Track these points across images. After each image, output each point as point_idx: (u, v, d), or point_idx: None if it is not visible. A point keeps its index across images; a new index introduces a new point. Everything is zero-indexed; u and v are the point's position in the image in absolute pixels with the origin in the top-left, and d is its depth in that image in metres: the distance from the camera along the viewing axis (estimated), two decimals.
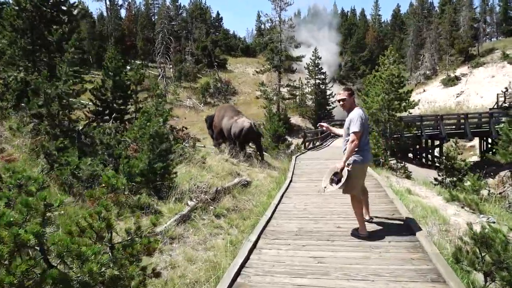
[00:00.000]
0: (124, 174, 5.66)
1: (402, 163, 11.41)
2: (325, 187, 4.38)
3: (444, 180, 12.39)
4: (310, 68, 26.27)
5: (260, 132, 11.73)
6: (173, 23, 58.95)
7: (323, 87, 26.86)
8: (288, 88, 25.76)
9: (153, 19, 55.58)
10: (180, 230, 5.28)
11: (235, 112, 12.26)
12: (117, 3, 52.84)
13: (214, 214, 6.05)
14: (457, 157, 12.64)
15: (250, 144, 12.74)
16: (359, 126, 4.06)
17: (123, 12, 57.83)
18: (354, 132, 4.06)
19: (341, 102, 4.31)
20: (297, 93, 27.94)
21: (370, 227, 4.59)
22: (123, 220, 5.31)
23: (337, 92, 5.05)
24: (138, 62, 46.01)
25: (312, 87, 26.47)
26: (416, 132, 15.84)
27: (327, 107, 26.54)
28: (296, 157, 12.00)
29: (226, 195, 6.95)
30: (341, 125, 26.72)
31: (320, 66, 26.42)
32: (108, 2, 47.56)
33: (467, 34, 47.06)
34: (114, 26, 45.66)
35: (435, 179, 12.59)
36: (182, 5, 66.62)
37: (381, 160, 10.78)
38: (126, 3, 51.88)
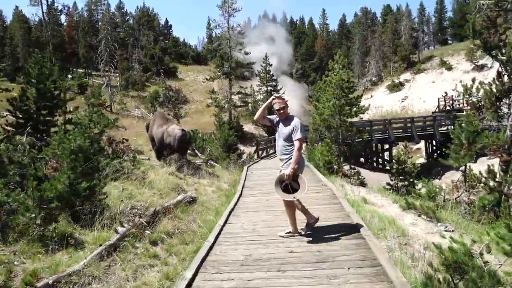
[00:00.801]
0: (34, 199, 4.66)
1: (355, 169, 11.17)
2: (294, 197, 4.52)
3: (396, 185, 12.38)
4: (262, 75, 25.99)
5: (191, 140, 11.23)
6: (118, 30, 56.57)
7: (275, 94, 26.71)
8: (240, 96, 25.25)
9: (97, 26, 52.87)
10: (105, 264, 4.39)
11: (164, 120, 11.50)
12: (56, 7, 49.64)
13: (150, 241, 5.19)
14: (407, 160, 12.70)
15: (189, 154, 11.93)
16: (304, 133, 4.46)
17: (63, 18, 54.46)
18: (299, 139, 4.36)
19: (281, 111, 4.51)
20: (249, 101, 27.52)
21: (327, 248, 4.02)
22: (31, 258, 4.34)
23: (274, 99, 4.66)
24: (80, 70, 43.44)
25: (264, 94, 26.17)
26: (368, 137, 15.95)
27: None
28: (248, 167, 11.39)
29: (167, 215, 6.10)
30: None
31: (271, 73, 26.21)
32: (45, 7, 44.39)
33: (408, 42, 49.71)
34: (52, 32, 42.59)
35: (388, 183, 12.56)
36: (128, 12, 64.23)
37: (334, 167, 10.45)
38: (66, 8, 48.83)
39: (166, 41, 62.56)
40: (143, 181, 8.58)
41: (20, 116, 9.11)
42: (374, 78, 50.03)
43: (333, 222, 5.00)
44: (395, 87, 43.48)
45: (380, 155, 23.67)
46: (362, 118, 12.69)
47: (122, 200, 6.64)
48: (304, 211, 4.79)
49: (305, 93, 41.57)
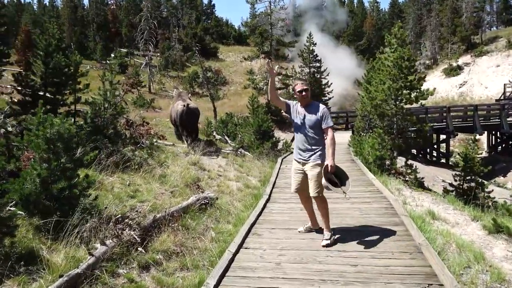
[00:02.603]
0: None
1: (411, 165, 9.26)
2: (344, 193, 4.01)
3: (461, 186, 10.30)
4: (304, 55, 23.94)
5: (196, 113, 11.12)
6: (161, 9, 56.18)
7: (318, 76, 24.56)
8: (280, 77, 23.44)
9: (140, 5, 52.65)
10: None
11: (179, 98, 11.82)
12: None
13: (140, 264, 3.87)
14: (476, 158, 10.51)
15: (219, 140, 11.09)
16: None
17: None
18: (332, 127, 4.05)
19: (303, 93, 4.06)
20: (290, 82, 25.62)
21: None
22: None
23: (295, 82, 4.29)
24: (123, 50, 43.48)
25: (306, 76, 24.18)
26: (434, 126, 13.54)
27: (323, 97, 24.32)
28: (282, 159, 9.83)
29: (171, 224, 4.75)
30: (337, 117, 24.49)
31: (315, 53, 24.08)
32: None
33: (470, 21, 44.72)
34: (96, 11, 42.81)
35: (451, 184, 10.49)
36: None
37: (387, 162, 8.63)
38: None
39: (209, 21, 61.41)
40: (159, 173, 7.34)
41: (27, 92, 8.14)
42: (428, 61, 45.86)
43: (396, 259, 3.36)
44: (453, 71, 39.38)
45: (435, 146, 21.08)
46: (424, 105, 10.57)
47: (120, 200, 5.40)
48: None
49: (350, 76, 38.78)
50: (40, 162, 4.11)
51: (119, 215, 4.43)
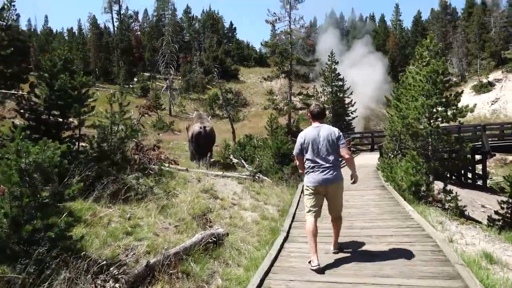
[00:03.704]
0: None
1: (451, 192, 8.17)
2: None
3: (509, 215, 9.05)
4: (326, 74, 23.20)
5: (212, 136, 11.26)
6: (183, 33, 57.32)
7: (341, 95, 23.69)
8: (301, 97, 22.72)
9: (163, 30, 53.98)
10: None
11: (197, 119, 11.99)
12: (126, 13, 51.44)
13: None
14: None
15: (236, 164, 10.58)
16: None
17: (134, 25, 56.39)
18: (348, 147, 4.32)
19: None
20: (311, 103, 24.84)
21: None
22: None
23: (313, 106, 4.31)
24: (146, 74, 44.20)
25: (328, 95, 23.37)
26: (477, 145, 12.27)
27: (346, 117, 23.35)
28: (303, 186, 8.91)
29: (169, 270, 3.95)
30: (361, 138, 23.38)
31: (337, 72, 23.30)
32: (115, 14, 46.11)
33: (499, 36, 43.06)
34: (120, 37, 43.89)
35: (496, 212, 9.25)
36: (194, 16, 65.04)
37: (422, 190, 7.59)
38: (135, 14, 50.31)
39: (230, 44, 62.11)
40: (164, 203, 6.61)
41: (31, 117, 7.69)
42: (455, 79, 44.15)
43: None
44: (483, 87, 37.65)
45: (470, 168, 19.53)
46: (462, 123, 9.52)
47: (115, 239, 4.67)
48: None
49: (373, 95, 37.64)
50: (10, 198, 3.44)
51: (104, 262, 3.68)
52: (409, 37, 62.55)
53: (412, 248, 4.10)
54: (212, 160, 11.14)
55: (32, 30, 62.24)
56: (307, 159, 4.03)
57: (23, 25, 59.30)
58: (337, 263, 3.87)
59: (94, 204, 5.79)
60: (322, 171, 3.93)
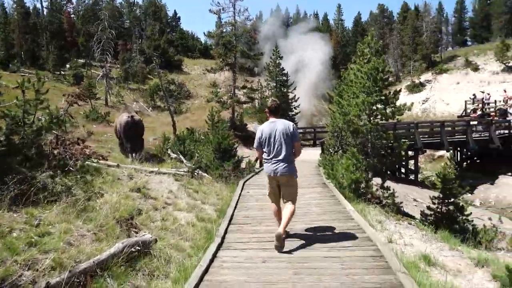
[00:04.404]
0: None
1: (388, 189, 8.27)
2: None
3: (440, 210, 9.43)
4: (270, 68, 23.06)
5: (141, 126, 11.15)
6: (122, 19, 54.16)
7: (285, 90, 23.72)
8: (245, 90, 22.35)
9: (100, 14, 50.49)
10: None
11: (124, 110, 12.14)
12: None
13: None
14: (452, 178, 9.71)
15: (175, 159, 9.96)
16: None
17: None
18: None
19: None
20: (256, 96, 24.61)
21: None
22: None
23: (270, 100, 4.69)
24: (81, 60, 40.96)
25: (272, 90, 23.26)
26: (410, 144, 12.74)
27: (290, 112, 23.43)
28: (244, 182, 8.52)
29: None
30: (304, 133, 23.63)
31: (281, 66, 23.25)
32: None
33: (430, 40, 46.25)
34: (50, 19, 40.18)
35: (428, 207, 9.59)
36: (135, 2, 61.71)
37: (361, 187, 7.56)
38: None
39: (173, 34, 59.91)
40: (86, 205, 5.80)
41: None
42: (391, 78, 46.68)
43: None
44: (415, 87, 40.20)
45: (403, 163, 20.60)
46: (399, 121, 9.72)
47: (13, 252, 3.87)
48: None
49: (317, 91, 38.48)
50: None
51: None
52: (350, 36, 65.06)
53: (353, 253, 3.85)
54: (141, 153, 10.50)
55: None
56: (265, 151, 4.44)
57: None
58: (275, 274, 3.48)
59: None
60: (275, 163, 4.35)
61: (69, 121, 19.26)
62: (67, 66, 38.87)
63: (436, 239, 5.42)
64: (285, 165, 4.29)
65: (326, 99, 38.80)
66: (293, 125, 4.53)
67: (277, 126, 4.37)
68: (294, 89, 24.23)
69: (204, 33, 23.42)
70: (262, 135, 4.42)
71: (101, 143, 14.64)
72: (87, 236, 4.77)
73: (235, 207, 6.04)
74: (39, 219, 4.91)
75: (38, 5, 44.40)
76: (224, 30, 21.34)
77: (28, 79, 7.68)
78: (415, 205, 14.75)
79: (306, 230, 4.72)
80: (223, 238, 4.47)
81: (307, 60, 38.21)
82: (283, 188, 4.44)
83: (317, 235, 4.46)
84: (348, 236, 4.39)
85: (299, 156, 4.52)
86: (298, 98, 24.38)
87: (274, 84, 23.50)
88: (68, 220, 5.05)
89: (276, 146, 4.32)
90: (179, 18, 66.62)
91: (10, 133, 6.86)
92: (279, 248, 4.02)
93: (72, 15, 47.82)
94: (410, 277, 3.17)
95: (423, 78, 41.44)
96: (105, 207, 5.82)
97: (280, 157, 4.30)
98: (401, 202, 8.80)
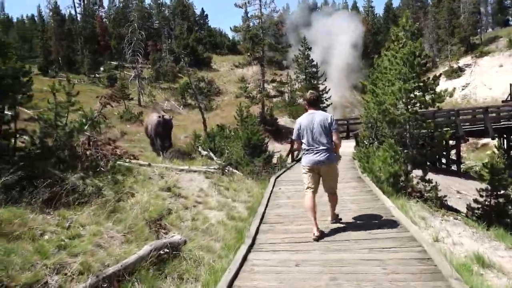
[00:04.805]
0: None
1: (430, 181, 7.73)
2: None
3: (488, 203, 8.74)
4: (299, 60, 22.54)
5: (170, 125, 11.45)
6: (152, 20, 55.17)
7: (315, 82, 23.14)
8: (275, 84, 21.99)
9: (130, 17, 51.68)
10: None
11: (153, 111, 12.89)
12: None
13: None
14: (501, 168, 8.97)
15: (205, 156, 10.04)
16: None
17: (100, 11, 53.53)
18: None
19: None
20: (285, 90, 24.18)
21: None
22: None
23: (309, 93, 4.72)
24: (114, 63, 42.18)
25: (302, 83, 22.75)
26: (453, 131, 11.80)
27: (321, 104, 22.85)
28: (276, 178, 8.26)
29: None
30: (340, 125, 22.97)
31: (310, 58, 22.67)
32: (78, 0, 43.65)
33: (468, 22, 43.64)
34: (84, 24, 41.58)
35: (476, 201, 8.92)
36: (164, 2, 62.68)
37: (400, 181, 7.09)
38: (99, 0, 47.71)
39: (202, 31, 60.31)
40: (116, 205, 5.77)
41: None
42: (428, 64, 44.63)
43: None
44: (454, 73, 38.13)
45: (444, 153, 19.50)
46: (440, 108, 9.06)
47: (43, 256, 3.84)
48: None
49: (348, 81, 37.37)
50: None
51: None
52: (381, 23, 62.79)
53: (396, 256, 3.49)
54: (171, 150, 10.75)
55: None
56: (303, 143, 4.46)
57: None
58: (309, 279, 3.20)
59: (28, 210, 4.92)
60: (316, 153, 4.37)
61: (103, 122, 19.71)
62: (101, 69, 40.14)
63: (489, 237, 4.91)
64: (325, 154, 4.34)
65: (358, 89, 37.67)
66: (331, 116, 4.55)
67: (315, 117, 4.43)
68: (325, 80, 23.60)
69: (230, 27, 23.20)
70: (300, 126, 4.47)
71: (133, 142, 14.86)
72: (117, 238, 4.71)
73: (267, 205, 5.79)
74: (71, 221, 4.90)
75: (73, 12, 46.16)
76: (251, 24, 21.08)
77: (59, 82, 7.81)
78: (459, 198, 13.89)
79: (342, 229, 4.40)
80: (254, 239, 4.24)
81: (337, 43, 36.77)
82: (324, 177, 4.48)
83: (355, 235, 4.12)
84: (389, 236, 4.03)
85: (340, 146, 4.53)
86: (329, 89, 23.74)
87: (304, 76, 22.99)
88: (99, 221, 5.02)
89: (315, 136, 4.38)
90: (206, 15, 67.02)
91: (44, 136, 6.99)
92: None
93: (104, 19, 49.29)
94: (465, 285, 2.79)
95: (461, 62, 39.24)
96: (135, 207, 5.77)
97: (320, 147, 4.36)
98: (445, 196, 8.21)
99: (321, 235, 4.15)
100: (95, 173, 6.81)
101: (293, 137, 4.69)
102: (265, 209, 5.52)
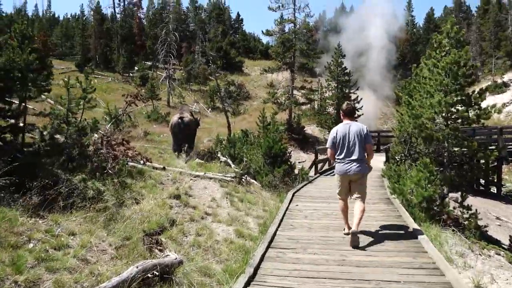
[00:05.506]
0: None
1: (469, 208, 6.84)
2: None
3: None
4: (332, 67, 21.74)
5: (189, 128, 10.92)
6: (188, 22, 55.90)
7: (347, 91, 22.23)
8: (304, 91, 21.28)
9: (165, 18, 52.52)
10: None
11: (179, 111, 12.26)
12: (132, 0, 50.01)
13: None
14: None
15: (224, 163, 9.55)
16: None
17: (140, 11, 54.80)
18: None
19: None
20: (315, 98, 23.39)
21: None
22: None
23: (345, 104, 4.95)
24: (148, 63, 42.87)
25: (333, 91, 21.91)
26: (498, 154, 10.70)
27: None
28: (294, 193, 7.59)
29: None
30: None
31: (343, 66, 21.82)
32: (118, 0, 44.82)
33: None
34: (121, 23, 42.59)
35: None
36: (200, 5, 63.43)
37: (435, 206, 6.25)
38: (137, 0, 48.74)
39: (236, 35, 60.47)
40: (115, 212, 5.34)
41: None
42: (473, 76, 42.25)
43: None
44: (498, 88, 35.78)
45: (483, 173, 18.01)
46: (485, 126, 8.12)
47: (17, 270, 3.41)
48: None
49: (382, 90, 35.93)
50: None
51: None
52: (421, 34, 60.49)
53: None
54: (191, 153, 10.33)
55: (35, 15, 61.33)
56: (337, 152, 4.65)
57: (30, 10, 58.14)
58: None
59: (19, 213, 4.57)
60: (348, 163, 4.55)
61: (129, 120, 19.55)
62: (135, 68, 40.86)
63: None
64: (358, 165, 4.51)
65: (392, 100, 36.21)
66: (366, 127, 4.71)
67: (351, 128, 4.60)
68: (357, 89, 22.64)
69: (262, 31, 22.78)
70: (336, 135, 4.65)
71: (155, 143, 14.63)
72: (107, 252, 4.25)
73: (279, 225, 5.15)
74: (60, 229, 4.49)
75: (113, 11, 47.47)
76: (285, 29, 20.49)
77: (76, 77, 7.54)
78: (499, 225, 12.64)
79: (361, 264, 3.71)
80: (256, 268, 3.62)
81: (371, 39, 35.33)
82: (354, 185, 4.65)
83: (379, 276, 3.42)
84: (419, 280, 3.31)
85: (372, 158, 4.75)
86: (361, 99, 22.75)
87: (335, 84, 22.14)
88: (92, 230, 4.59)
89: (349, 146, 4.53)
90: (242, 20, 67.16)
91: (54, 132, 6.71)
92: (355, 243, 4.22)
93: (143, 20, 50.41)
94: None
95: (506, 77, 36.83)
96: (136, 216, 5.32)
97: (354, 157, 4.52)
98: (486, 226, 7.24)
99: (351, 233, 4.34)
100: (102, 175, 6.46)
101: (328, 146, 4.82)
102: (276, 230, 4.89)
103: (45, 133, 6.60)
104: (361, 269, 3.60)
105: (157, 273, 3.62)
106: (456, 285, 3.15)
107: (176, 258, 4.02)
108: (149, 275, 3.56)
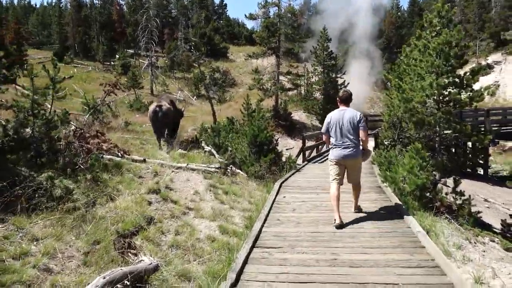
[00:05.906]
0: None
1: (462, 194, 6.63)
2: None
3: None
4: (318, 52, 21.29)
5: (167, 116, 10.51)
6: (169, 8, 54.41)
7: (333, 76, 21.86)
8: (290, 77, 20.83)
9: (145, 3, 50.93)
10: None
11: (160, 99, 11.98)
12: None
13: None
14: None
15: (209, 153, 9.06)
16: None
17: None
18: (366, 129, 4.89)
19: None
20: (301, 83, 22.99)
21: None
22: None
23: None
24: (130, 51, 41.61)
25: (319, 75, 21.52)
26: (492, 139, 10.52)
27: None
28: (281, 183, 7.24)
29: None
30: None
31: (330, 50, 21.39)
32: None
33: (500, 17, 41.14)
34: (100, 10, 41.09)
35: None
36: None
37: (428, 193, 6.00)
38: None
39: (220, 21, 59.28)
40: (84, 213, 4.89)
41: None
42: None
43: None
44: (482, 70, 35.93)
45: (470, 156, 18.05)
46: (477, 108, 7.85)
47: None
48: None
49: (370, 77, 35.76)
50: None
51: None
52: (405, 17, 60.24)
53: None
54: (173, 143, 10.01)
55: (9, 3, 58.86)
56: (332, 137, 4.80)
57: None
58: None
59: None
60: (343, 148, 4.71)
61: (109, 110, 18.72)
62: (117, 56, 39.64)
63: None
64: (352, 149, 4.67)
65: (378, 85, 36.12)
66: (360, 114, 4.79)
67: (345, 114, 4.73)
68: (344, 73, 22.28)
69: (245, 15, 22.09)
70: (330, 121, 4.79)
71: (137, 133, 14.04)
72: (75, 258, 3.82)
73: (265, 220, 4.79)
74: (24, 233, 4.05)
75: None
76: (266, 11, 19.85)
77: (43, 65, 6.95)
78: (487, 207, 12.58)
79: (355, 264, 3.38)
80: (239, 273, 3.25)
81: (355, 20, 35.23)
82: (349, 170, 4.87)
83: (375, 278, 3.10)
84: (419, 282, 2.99)
85: (367, 142, 4.85)
86: (348, 83, 22.44)
87: (322, 69, 21.73)
88: (59, 234, 4.15)
89: (343, 132, 4.67)
90: (225, 5, 65.91)
91: (19, 126, 6.16)
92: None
93: (123, 6, 48.77)
94: None
95: (491, 59, 37.03)
96: (110, 215, 4.89)
97: (347, 142, 4.68)
98: (479, 212, 7.05)
99: (343, 225, 4.46)
100: (74, 171, 5.98)
101: (322, 131, 4.98)
102: (262, 226, 4.53)
103: (8, 126, 6.07)
104: (355, 269, 3.27)
105: (128, 283, 3.22)
106: (460, 286, 2.84)
107: (151, 263, 3.63)
108: (118, 285, 3.16)
